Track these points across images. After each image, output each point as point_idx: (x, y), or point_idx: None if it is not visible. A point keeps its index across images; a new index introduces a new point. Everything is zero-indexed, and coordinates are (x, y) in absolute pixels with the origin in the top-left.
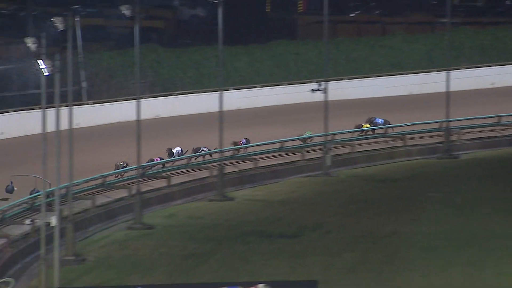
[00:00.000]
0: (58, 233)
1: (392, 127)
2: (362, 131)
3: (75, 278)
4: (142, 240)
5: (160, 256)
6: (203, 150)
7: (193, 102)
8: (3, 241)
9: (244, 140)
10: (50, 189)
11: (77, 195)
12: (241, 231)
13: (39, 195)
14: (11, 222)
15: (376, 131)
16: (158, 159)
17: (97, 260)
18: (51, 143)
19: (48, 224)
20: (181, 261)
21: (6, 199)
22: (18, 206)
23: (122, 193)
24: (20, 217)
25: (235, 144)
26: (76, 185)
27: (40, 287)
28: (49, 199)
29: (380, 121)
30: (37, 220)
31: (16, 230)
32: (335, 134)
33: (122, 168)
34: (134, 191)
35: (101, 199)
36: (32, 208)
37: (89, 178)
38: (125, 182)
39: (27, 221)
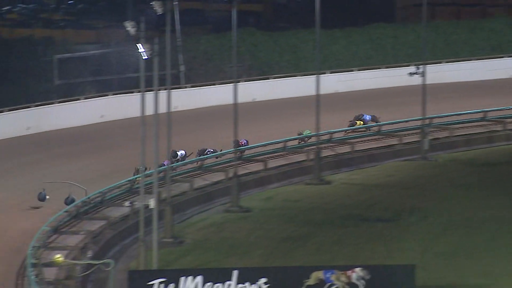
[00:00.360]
0: (157, 216)
1: (379, 125)
2: (355, 129)
3: (173, 260)
4: (239, 223)
5: (257, 239)
6: (209, 152)
7: (289, 85)
8: (103, 223)
9: (245, 141)
10: (149, 172)
11: (175, 177)
12: (338, 215)
13: (138, 177)
14: (110, 204)
15: (364, 126)
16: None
17: (195, 243)
18: (150, 126)
19: (146, 206)
20: (278, 244)
21: (37, 208)
22: (118, 188)
23: (220, 176)
24: (119, 200)
25: (237, 144)
26: (174, 168)
27: (139, 269)
28: (148, 182)
29: (367, 117)
30: (136, 203)
31: (116, 212)
32: (433, 118)
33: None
34: (231, 174)
35: (198, 182)
36: (131, 191)
37: (187, 161)
38: (222, 165)
39: (126, 204)
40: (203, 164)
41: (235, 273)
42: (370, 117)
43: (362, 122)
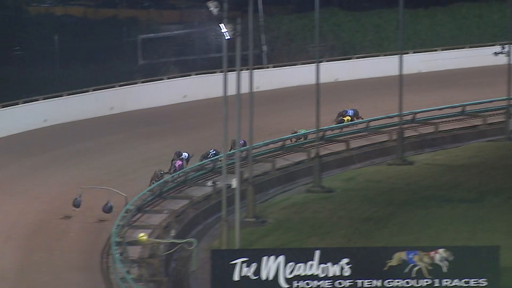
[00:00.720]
0: (239, 195)
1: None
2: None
3: (256, 240)
4: (321, 203)
5: (339, 219)
6: (211, 153)
7: (372, 65)
8: (185, 202)
9: (243, 142)
10: (231, 151)
11: (257, 157)
12: (421, 196)
13: (220, 157)
14: (193, 184)
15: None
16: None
17: (277, 222)
18: (232, 106)
19: (229, 186)
20: (360, 224)
21: (69, 217)
22: (201, 167)
23: (301, 156)
24: (202, 179)
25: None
26: (256, 148)
27: (221, 248)
28: (230, 162)
29: (350, 112)
30: (218, 182)
31: (198, 192)
32: None
33: (160, 175)
34: (313, 155)
35: (280, 162)
36: (213, 170)
37: (269, 141)
38: (304, 146)
39: (209, 183)
40: (285, 144)
41: (317, 253)
42: (353, 111)
43: (349, 118)
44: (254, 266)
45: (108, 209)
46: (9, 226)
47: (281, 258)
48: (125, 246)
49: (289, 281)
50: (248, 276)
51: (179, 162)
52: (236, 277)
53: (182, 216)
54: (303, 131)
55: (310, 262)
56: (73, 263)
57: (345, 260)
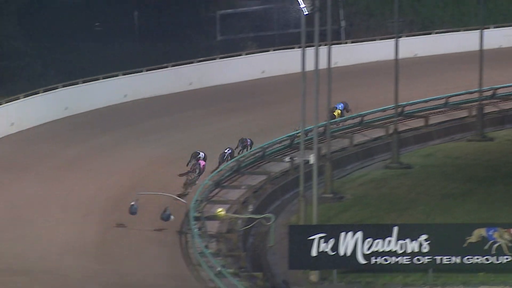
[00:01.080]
0: (317, 171)
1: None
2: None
3: (333, 215)
4: (399, 179)
5: (418, 196)
6: (228, 152)
7: (452, 40)
8: (263, 177)
9: (249, 141)
10: (309, 127)
11: (335, 133)
12: (501, 172)
13: (298, 133)
14: (271, 160)
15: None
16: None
17: (355, 198)
18: (310, 82)
19: (306, 162)
20: (439, 200)
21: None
22: (279, 143)
23: (380, 132)
24: (279, 155)
25: (243, 143)
26: (334, 124)
27: (299, 223)
28: (307, 138)
29: (339, 105)
30: (296, 158)
31: (276, 168)
32: None
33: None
34: (391, 131)
35: (358, 138)
36: (291, 146)
37: (347, 117)
38: (382, 122)
39: (286, 159)
40: (363, 120)
41: (395, 229)
42: (342, 105)
43: (339, 112)
44: (332, 241)
45: (166, 217)
46: (89, 201)
47: (359, 234)
48: (204, 221)
49: (367, 257)
50: (325, 251)
51: (203, 163)
52: (313, 252)
53: (260, 192)
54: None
55: (388, 238)
56: (151, 237)
57: (424, 237)
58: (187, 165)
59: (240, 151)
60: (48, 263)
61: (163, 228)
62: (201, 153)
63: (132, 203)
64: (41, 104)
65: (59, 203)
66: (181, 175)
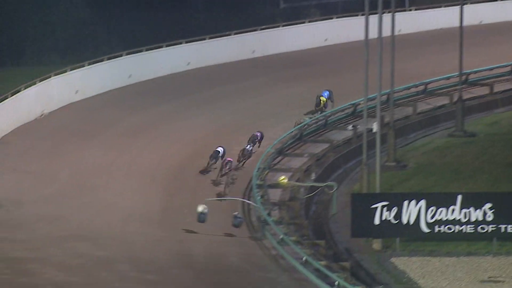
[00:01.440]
0: (379, 139)
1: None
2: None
3: (396, 184)
4: (463, 147)
5: (482, 164)
6: (249, 148)
7: None
8: (326, 146)
9: (259, 134)
10: (372, 96)
11: (398, 101)
12: None
13: (360, 101)
14: (333, 128)
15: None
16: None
17: (418, 167)
18: (373, 50)
19: (369, 130)
20: (504, 169)
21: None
22: (342, 111)
23: (443, 100)
24: (342, 123)
25: (254, 138)
26: (397, 92)
27: (362, 192)
28: (370, 106)
29: (325, 93)
30: (358, 126)
31: (339, 136)
32: None
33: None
34: (455, 99)
35: (422, 106)
36: (354, 114)
37: (410, 84)
38: (446, 89)
39: (349, 127)
40: (427, 88)
41: (459, 198)
42: (328, 92)
43: (325, 100)
44: (394, 210)
45: (238, 223)
46: (153, 168)
47: (422, 203)
48: (266, 189)
49: (430, 225)
50: (388, 220)
51: (229, 158)
52: (376, 221)
53: (323, 160)
54: (307, 120)
55: (452, 207)
56: (214, 205)
57: (488, 205)
58: (208, 164)
59: (252, 146)
60: (112, 229)
61: (225, 197)
62: (219, 148)
63: (200, 210)
64: (105, 72)
65: (123, 170)
66: (203, 171)
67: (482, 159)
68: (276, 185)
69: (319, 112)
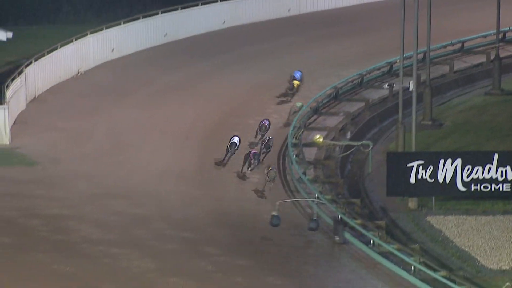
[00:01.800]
0: (416, 98)
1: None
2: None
3: (432, 143)
4: (500, 106)
5: None
6: (267, 141)
7: None
8: (361, 104)
9: (267, 121)
10: (408, 54)
11: (435, 60)
12: None
13: (396, 60)
14: (369, 86)
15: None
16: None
17: (454, 125)
18: (409, 8)
19: (406, 88)
20: None
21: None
22: (378, 70)
23: (481, 59)
24: (378, 82)
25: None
26: (434, 50)
27: (397, 150)
28: (407, 64)
29: (298, 74)
30: (394, 85)
31: (374, 94)
32: None
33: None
34: (492, 57)
35: (458, 64)
36: (390, 73)
37: (447, 43)
38: (484, 47)
39: (385, 86)
40: (464, 46)
41: (495, 156)
42: (300, 73)
43: (298, 82)
44: (430, 169)
45: (315, 226)
46: (188, 127)
47: (458, 161)
48: (301, 148)
49: (466, 184)
50: (424, 179)
51: (253, 150)
52: (412, 179)
53: (358, 119)
54: (299, 105)
55: (488, 166)
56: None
57: None
58: (226, 156)
59: (262, 135)
60: (148, 187)
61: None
62: (235, 139)
63: (274, 213)
64: (140, 30)
65: (158, 128)
66: (219, 164)
67: None
68: (312, 144)
69: (291, 95)
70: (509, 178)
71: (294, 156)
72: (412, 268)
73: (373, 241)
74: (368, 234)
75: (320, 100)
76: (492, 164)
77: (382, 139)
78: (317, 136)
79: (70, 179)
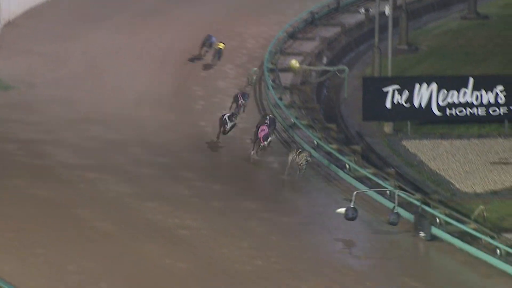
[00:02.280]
0: (391, 22)
1: None
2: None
3: (408, 67)
4: (476, 30)
5: (494, 47)
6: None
7: None
8: (337, 29)
9: (246, 94)
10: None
11: None
12: None
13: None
14: (346, 11)
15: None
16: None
17: (430, 50)
18: None
19: (382, 13)
20: None
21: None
22: None
23: None
24: (354, 6)
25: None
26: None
27: (373, 75)
28: None
29: (213, 39)
30: (371, 9)
31: (350, 19)
32: None
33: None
34: None
35: None
36: None
37: None
38: None
39: (361, 10)
40: None
41: (470, 81)
42: (215, 38)
43: (223, 45)
44: (406, 93)
45: (396, 220)
46: (164, 52)
47: (434, 86)
48: (277, 73)
49: (442, 109)
50: (400, 103)
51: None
52: (388, 104)
53: (334, 43)
54: (254, 70)
55: (463, 90)
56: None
57: (500, 88)
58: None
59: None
60: (124, 112)
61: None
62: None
63: (351, 205)
64: None
65: (134, 53)
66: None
67: (495, 42)
68: (288, 69)
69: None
70: (484, 102)
71: (270, 81)
72: (388, 192)
73: (349, 166)
74: (344, 159)
75: (296, 26)
76: (467, 88)
77: (358, 64)
78: (293, 61)
79: (46, 104)
